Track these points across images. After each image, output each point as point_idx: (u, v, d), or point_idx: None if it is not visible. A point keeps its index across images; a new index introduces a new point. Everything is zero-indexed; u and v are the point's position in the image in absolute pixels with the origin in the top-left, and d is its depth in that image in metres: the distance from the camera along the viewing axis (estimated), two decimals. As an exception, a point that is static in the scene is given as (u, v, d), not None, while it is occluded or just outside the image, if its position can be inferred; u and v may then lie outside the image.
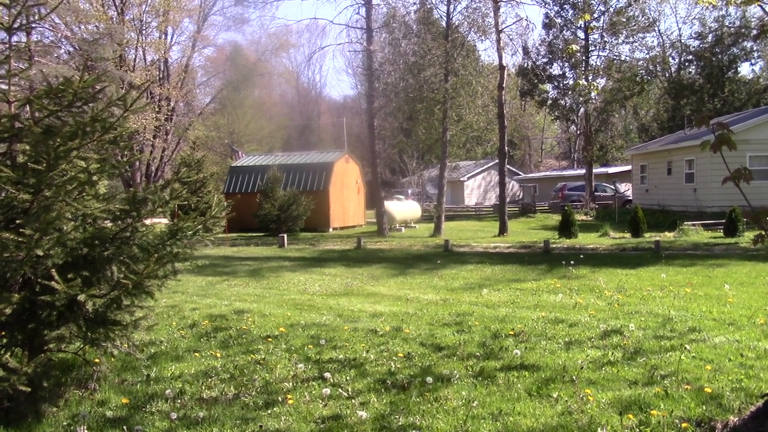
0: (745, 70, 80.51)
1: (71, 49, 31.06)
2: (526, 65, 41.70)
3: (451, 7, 25.96)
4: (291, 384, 5.25)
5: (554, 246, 17.63)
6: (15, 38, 4.98)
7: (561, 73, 41.22)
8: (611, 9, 38.11)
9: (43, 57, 25.97)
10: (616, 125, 45.86)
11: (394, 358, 5.97)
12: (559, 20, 39.73)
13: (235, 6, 46.40)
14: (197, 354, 6.30)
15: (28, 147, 4.76)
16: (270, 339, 6.85)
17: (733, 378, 5.11)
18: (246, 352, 6.33)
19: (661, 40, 49.01)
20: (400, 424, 4.38)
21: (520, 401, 4.75)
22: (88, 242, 4.76)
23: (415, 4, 27.82)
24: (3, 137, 4.79)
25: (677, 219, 22.63)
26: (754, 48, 44.93)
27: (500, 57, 24.40)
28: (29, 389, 4.32)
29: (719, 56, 45.08)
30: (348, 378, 5.40)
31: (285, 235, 21.04)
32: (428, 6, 27.56)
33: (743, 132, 24.07)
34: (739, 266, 12.48)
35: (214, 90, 49.75)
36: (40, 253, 4.30)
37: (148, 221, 5.24)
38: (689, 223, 20.98)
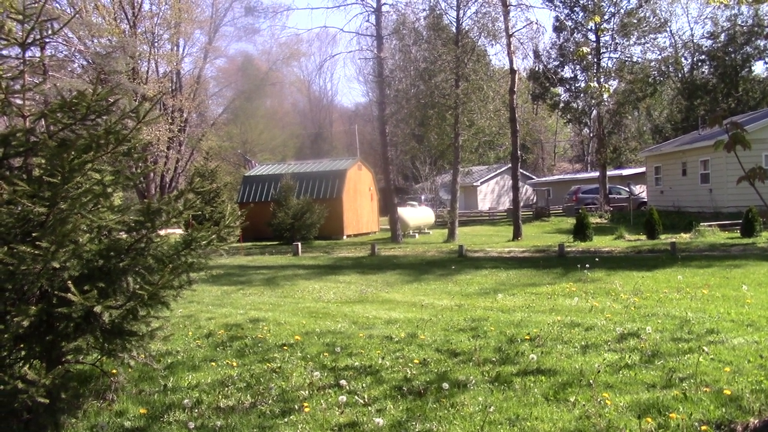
0: (759, 68, 79.51)
1: (85, 62, 31.43)
2: (537, 69, 41.64)
3: (461, 12, 26.02)
4: (307, 392, 5.25)
5: (569, 249, 17.53)
6: (29, 53, 5.05)
7: (572, 75, 41.09)
8: (622, 10, 37.95)
9: (57, 71, 26.26)
10: (630, 127, 45.57)
11: (409, 364, 5.96)
12: (569, 23, 39.63)
13: (246, 16, 46.83)
14: (213, 363, 6.32)
15: (43, 160, 4.81)
16: (285, 347, 6.86)
17: (752, 379, 5.05)
18: (262, 361, 6.34)
19: (673, 41, 48.71)
20: (417, 430, 4.37)
21: (537, 406, 4.73)
22: (103, 254, 4.80)
23: (424, 10, 27.95)
24: (19, 151, 4.85)
25: (693, 220, 22.44)
26: (768, 46, 44.58)
27: (511, 61, 24.40)
28: (48, 401, 4.35)
29: (732, 55, 44.75)
30: (364, 385, 5.40)
31: (299, 244, 21.09)
32: (438, 12, 27.61)
33: (758, 131, 23.89)
34: (756, 266, 12.35)
35: (227, 100, 50.25)
36: (56, 265, 4.34)
37: (162, 232, 5.27)
38: (705, 224, 20.78)
